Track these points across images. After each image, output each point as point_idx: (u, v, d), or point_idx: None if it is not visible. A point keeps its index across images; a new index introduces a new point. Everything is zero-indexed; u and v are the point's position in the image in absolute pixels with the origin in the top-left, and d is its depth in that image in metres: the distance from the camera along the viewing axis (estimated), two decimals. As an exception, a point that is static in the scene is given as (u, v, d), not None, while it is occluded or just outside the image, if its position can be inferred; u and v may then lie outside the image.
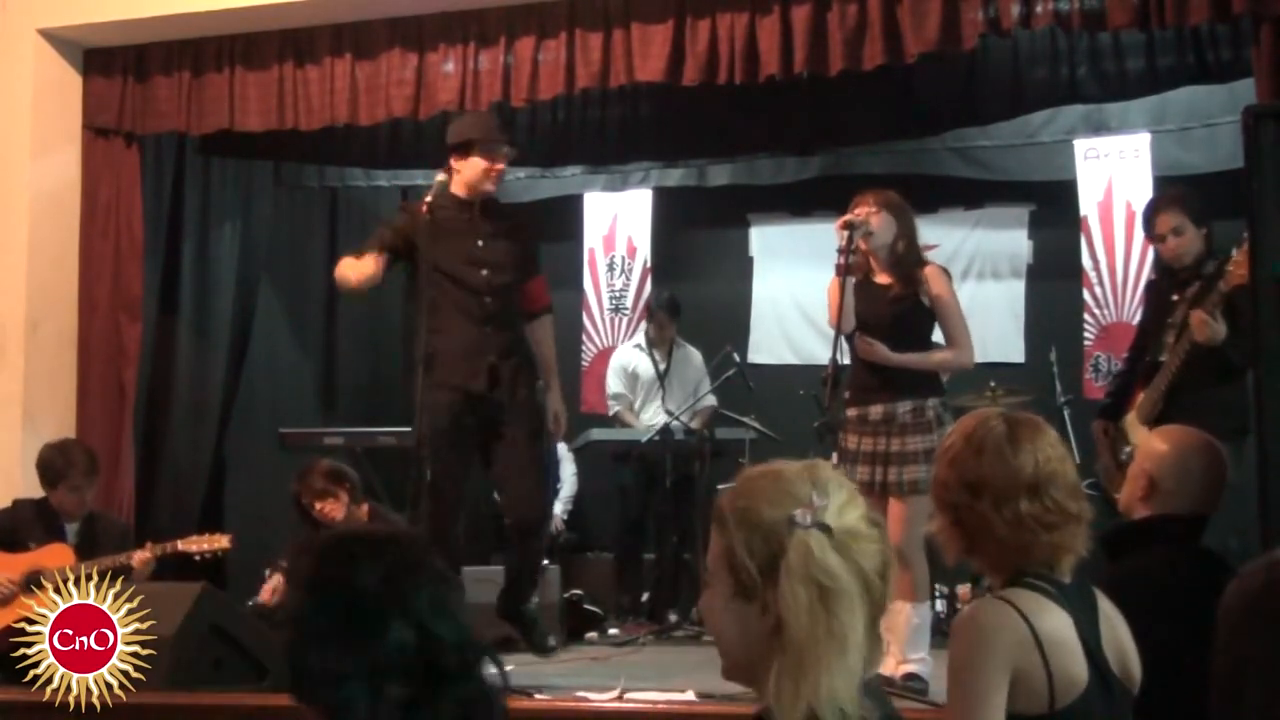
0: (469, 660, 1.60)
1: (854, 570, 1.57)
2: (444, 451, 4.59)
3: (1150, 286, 5.23)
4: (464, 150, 4.79)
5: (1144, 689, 2.24)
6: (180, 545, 5.18)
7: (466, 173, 4.79)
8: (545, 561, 6.02)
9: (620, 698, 4.34)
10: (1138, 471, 3.17)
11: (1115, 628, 2.22)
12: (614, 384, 7.42)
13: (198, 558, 5.18)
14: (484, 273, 4.74)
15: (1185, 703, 2.20)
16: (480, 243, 4.78)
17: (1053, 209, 7.59)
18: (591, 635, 6.49)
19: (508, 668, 1.67)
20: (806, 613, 1.54)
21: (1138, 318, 5.81)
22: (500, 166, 4.83)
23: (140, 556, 5.08)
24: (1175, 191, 5.03)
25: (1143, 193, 6.68)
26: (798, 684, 1.52)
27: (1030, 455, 2.20)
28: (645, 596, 6.97)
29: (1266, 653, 1.74)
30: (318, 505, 5.35)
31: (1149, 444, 3.22)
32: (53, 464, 5.30)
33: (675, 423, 6.85)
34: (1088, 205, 7.30)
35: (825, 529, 1.58)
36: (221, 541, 5.20)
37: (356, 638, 1.56)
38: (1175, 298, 4.63)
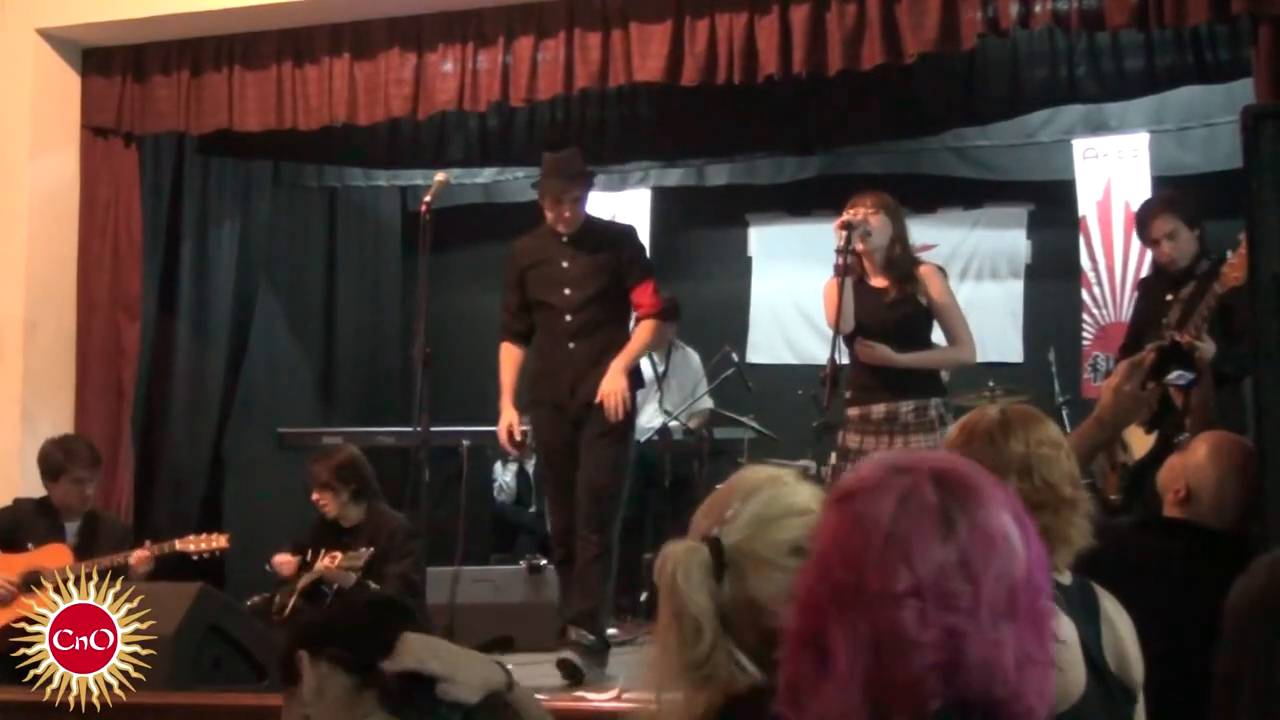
0: None
1: None
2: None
3: (1144, 284, 5.19)
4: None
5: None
6: (178, 545, 5.16)
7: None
8: (544, 561, 6.02)
9: (619, 698, 4.34)
10: (1179, 472, 3.13)
11: (1117, 629, 2.17)
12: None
13: (195, 557, 5.16)
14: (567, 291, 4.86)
15: (1185, 698, 2.20)
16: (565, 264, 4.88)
17: (1051, 209, 7.58)
18: (591, 635, 6.48)
19: (507, 667, 1.67)
20: None
21: (1135, 318, 5.79)
22: (565, 212, 4.84)
23: (139, 555, 5.07)
24: (1169, 195, 5.02)
25: (1141, 193, 6.67)
26: None
27: (1022, 440, 2.19)
28: (644, 596, 6.95)
29: (1265, 648, 1.74)
30: (314, 494, 5.35)
31: (1195, 451, 3.15)
32: (53, 457, 5.27)
33: (673, 423, 6.84)
34: (1086, 205, 7.30)
35: None
36: (219, 541, 5.18)
37: None
38: (1169, 297, 4.61)
